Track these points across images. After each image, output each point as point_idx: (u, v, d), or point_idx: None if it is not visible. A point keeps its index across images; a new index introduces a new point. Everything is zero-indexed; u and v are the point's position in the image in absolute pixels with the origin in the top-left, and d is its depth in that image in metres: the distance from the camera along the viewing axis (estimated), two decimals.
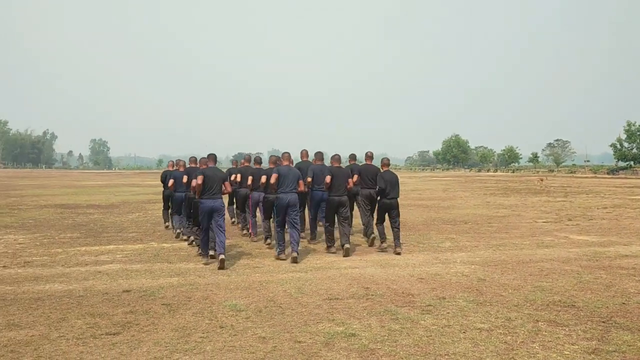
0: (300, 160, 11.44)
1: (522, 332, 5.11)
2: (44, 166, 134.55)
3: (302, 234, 10.91)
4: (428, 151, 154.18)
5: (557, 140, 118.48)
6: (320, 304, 6.10)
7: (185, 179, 10.19)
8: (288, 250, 9.17)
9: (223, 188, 8.82)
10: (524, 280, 7.34)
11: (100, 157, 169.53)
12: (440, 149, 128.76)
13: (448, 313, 5.74)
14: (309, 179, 9.90)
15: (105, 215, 16.60)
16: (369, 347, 4.70)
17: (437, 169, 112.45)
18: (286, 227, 9.13)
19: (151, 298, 6.39)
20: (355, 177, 10.54)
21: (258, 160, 11.24)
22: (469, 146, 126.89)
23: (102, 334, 5.04)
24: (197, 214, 8.98)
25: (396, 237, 9.69)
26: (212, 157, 9.10)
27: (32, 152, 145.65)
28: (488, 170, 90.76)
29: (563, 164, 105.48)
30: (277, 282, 7.18)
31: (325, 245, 9.96)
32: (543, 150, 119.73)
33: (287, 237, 9.29)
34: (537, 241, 10.94)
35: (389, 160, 10.22)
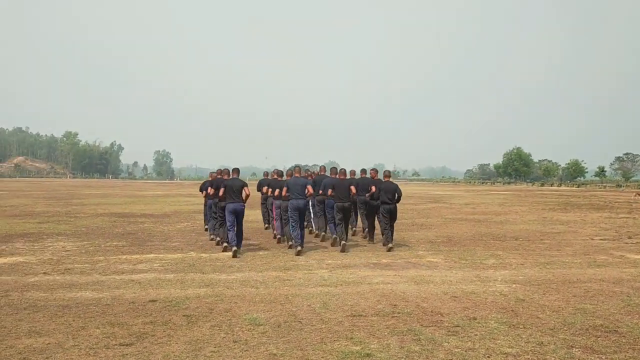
0: (320, 174, 13.79)
1: (552, 358, 4.72)
2: (110, 176, 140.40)
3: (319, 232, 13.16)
4: (489, 164, 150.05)
5: (626, 154, 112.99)
6: (342, 321, 5.89)
7: (210, 189, 12.22)
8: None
9: (243, 193, 11.00)
10: (566, 301, 6.86)
11: (163, 167, 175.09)
12: (501, 162, 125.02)
13: (475, 335, 5.41)
14: (330, 191, 11.74)
15: (155, 224, 16.97)
16: None
17: (498, 182, 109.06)
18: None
19: (174, 309, 6.38)
20: (373, 188, 12.30)
21: (279, 173, 13.24)
22: (531, 159, 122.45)
23: (116, 345, 5.03)
24: (223, 214, 11.20)
25: (389, 235, 11.55)
26: (236, 170, 11.35)
27: (99, 162, 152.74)
28: (552, 185, 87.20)
29: (632, 178, 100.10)
30: (303, 297, 7.02)
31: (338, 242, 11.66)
32: (611, 164, 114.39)
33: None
34: (589, 260, 10.28)
35: (389, 172, 12.66)
